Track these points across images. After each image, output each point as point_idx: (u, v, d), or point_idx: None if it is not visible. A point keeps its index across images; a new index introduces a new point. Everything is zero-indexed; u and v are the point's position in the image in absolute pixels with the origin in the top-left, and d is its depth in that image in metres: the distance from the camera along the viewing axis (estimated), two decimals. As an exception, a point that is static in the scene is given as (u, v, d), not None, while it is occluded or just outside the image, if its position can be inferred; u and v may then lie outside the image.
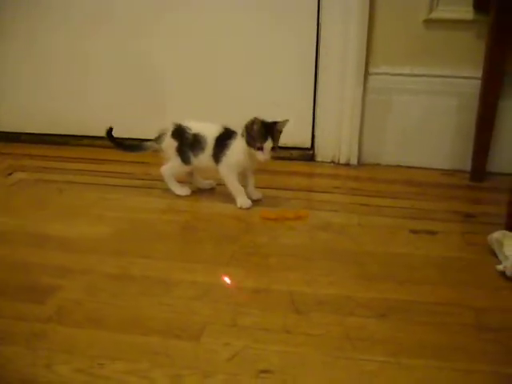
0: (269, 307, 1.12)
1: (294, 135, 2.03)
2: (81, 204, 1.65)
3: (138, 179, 1.85)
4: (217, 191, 1.75)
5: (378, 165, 2.00)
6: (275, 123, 1.53)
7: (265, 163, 1.54)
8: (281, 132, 1.55)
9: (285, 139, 2.00)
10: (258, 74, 2.01)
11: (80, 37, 2.10)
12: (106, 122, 2.11)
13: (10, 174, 1.88)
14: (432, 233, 1.47)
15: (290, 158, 2.03)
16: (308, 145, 2.03)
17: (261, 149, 1.51)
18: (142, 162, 1.97)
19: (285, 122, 1.53)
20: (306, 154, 2.03)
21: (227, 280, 1.19)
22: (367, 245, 1.40)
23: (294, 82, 1.99)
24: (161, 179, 1.76)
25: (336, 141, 1.97)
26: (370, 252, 1.36)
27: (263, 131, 1.50)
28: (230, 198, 1.65)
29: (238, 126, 1.57)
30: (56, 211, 1.58)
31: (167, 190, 1.73)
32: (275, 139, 1.53)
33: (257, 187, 1.69)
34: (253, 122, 1.51)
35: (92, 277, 1.24)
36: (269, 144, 1.51)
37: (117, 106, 2.14)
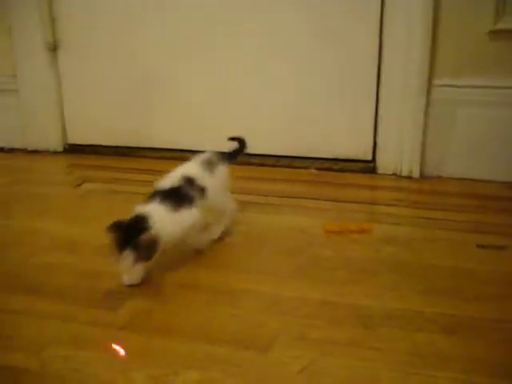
0: (336, 320, 1.13)
1: (354, 147, 2.03)
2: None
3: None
4: (280, 204, 1.76)
5: (441, 177, 1.98)
6: (139, 232, 1.18)
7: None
8: (147, 244, 1.19)
9: (345, 151, 2.03)
10: (314, 85, 2.02)
11: (146, 50, 2.16)
12: (172, 135, 2.19)
13: (79, 185, 1.95)
14: (499, 247, 1.45)
15: (350, 170, 2.02)
16: (369, 157, 2.03)
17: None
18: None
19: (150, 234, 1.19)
20: (367, 167, 2.02)
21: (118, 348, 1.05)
22: (433, 259, 1.39)
23: (354, 94, 1.99)
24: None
25: (398, 153, 1.96)
26: (436, 266, 1.35)
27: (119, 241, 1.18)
28: (291, 211, 1.67)
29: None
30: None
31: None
32: (138, 250, 1.18)
33: (318, 199, 1.69)
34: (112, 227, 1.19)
35: (159, 286, 1.27)
36: (127, 256, 1.18)
37: (182, 118, 2.19)
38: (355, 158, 2.04)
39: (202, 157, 1.43)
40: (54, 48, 2.25)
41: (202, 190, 1.35)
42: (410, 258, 1.39)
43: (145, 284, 1.27)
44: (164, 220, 1.22)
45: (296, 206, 1.73)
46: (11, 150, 2.39)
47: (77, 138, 2.34)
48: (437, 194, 1.85)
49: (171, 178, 1.34)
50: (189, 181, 1.33)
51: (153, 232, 1.18)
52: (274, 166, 2.07)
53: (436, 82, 1.91)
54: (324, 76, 2.00)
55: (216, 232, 1.46)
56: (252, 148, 2.09)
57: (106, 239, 1.18)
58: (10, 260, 1.42)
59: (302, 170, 2.04)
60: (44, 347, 1.04)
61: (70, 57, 2.26)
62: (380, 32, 1.91)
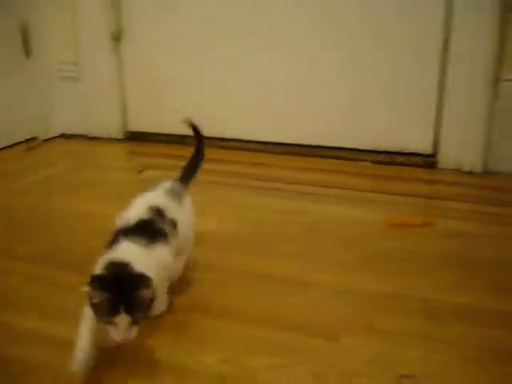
0: (403, 313, 1.12)
1: (415, 141, 2.00)
2: (206, 202, 1.71)
3: (259, 180, 1.89)
4: (341, 195, 1.75)
5: (504, 173, 1.93)
6: (136, 288, 0.90)
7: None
8: (147, 300, 0.92)
9: (406, 145, 2.01)
10: (377, 79, 2.00)
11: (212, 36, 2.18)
12: (233, 125, 2.21)
13: (140, 172, 1.99)
14: None
15: (410, 164, 2.00)
16: (430, 151, 2.00)
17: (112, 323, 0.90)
18: (263, 164, 2.02)
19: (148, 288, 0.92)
20: (428, 161, 1.99)
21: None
22: (498, 255, 1.36)
23: (418, 88, 1.96)
24: (282, 180, 1.82)
25: (460, 147, 1.92)
26: (501, 262, 1.33)
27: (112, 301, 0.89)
28: (353, 203, 1.67)
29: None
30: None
31: (289, 192, 1.77)
32: (136, 311, 0.90)
33: (379, 192, 1.68)
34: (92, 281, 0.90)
35: (221, 272, 1.29)
36: (123, 320, 0.89)
37: (239, 107, 2.20)
38: (416, 151, 2.01)
39: (165, 186, 1.20)
40: (117, 37, 2.28)
41: (174, 225, 1.12)
42: (475, 254, 1.37)
43: (208, 269, 1.29)
44: (144, 261, 0.98)
45: (357, 198, 1.72)
46: (72, 136, 2.45)
47: (137, 125, 2.38)
48: (500, 189, 1.81)
49: (137, 210, 1.10)
50: (158, 212, 1.10)
51: (151, 285, 0.92)
52: (334, 157, 2.06)
53: (503, 76, 1.86)
54: (388, 70, 1.98)
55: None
56: (313, 139, 2.12)
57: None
58: (78, 241, 1.46)
59: (362, 163, 2.02)
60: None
61: (133, 46, 2.30)
62: (446, 25, 1.87)
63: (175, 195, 1.18)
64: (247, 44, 2.13)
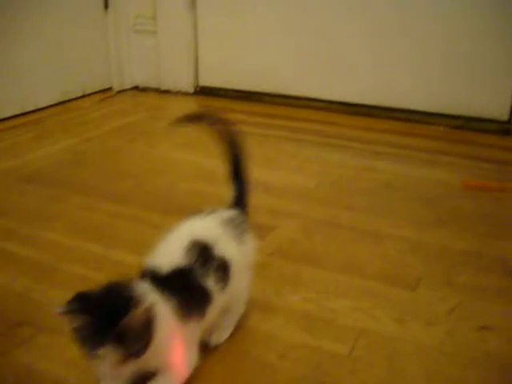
0: (482, 269, 1.13)
1: (490, 107, 1.97)
2: (279, 156, 1.74)
3: (332, 137, 1.90)
4: (414, 157, 1.75)
5: None
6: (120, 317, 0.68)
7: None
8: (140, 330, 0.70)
9: (480, 111, 1.97)
10: (455, 44, 1.97)
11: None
12: (297, 82, 2.22)
13: (212, 124, 2.03)
14: None
15: (484, 130, 1.97)
16: (505, 118, 1.96)
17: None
18: (334, 123, 2.03)
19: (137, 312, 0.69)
20: (503, 128, 1.96)
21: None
22: None
23: (495, 53, 1.92)
24: (354, 139, 1.83)
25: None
26: None
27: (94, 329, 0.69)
28: (426, 164, 1.67)
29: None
30: (257, 160, 1.69)
31: (362, 150, 1.78)
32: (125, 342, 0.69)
33: (452, 155, 1.68)
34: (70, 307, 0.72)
35: (303, 220, 1.32)
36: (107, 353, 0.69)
37: (314, 67, 2.20)
38: (490, 118, 1.98)
39: (221, 214, 0.91)
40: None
41: (224, 270, 0.84)
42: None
43: (290, 218, 1.33)
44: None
45: (430, 160, 1.72)
46: (145, 89, 2.51)
47: (208, 80, 2.42)
48: None
49: (172, 249, 0.83)
50: (203, 252, 0.82)
51: (144, 305, 0.70)
52: (407, 120, 2.05)
53: None
54: (466, 35, 1.94)
55: (221, 337, 0.91)
56: (388, 101, 2.11)
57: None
58: (160, 184, 1.53)
59: (434, 127, 2.01)
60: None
61: (209, 2, 2.32)
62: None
63: (234, 227, 0.89)
64: (322, 4, 2.12)
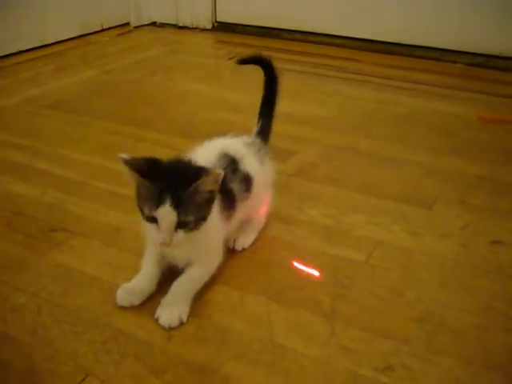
0: (494, 192, 1.17)
1: (508, 45, 1.96)
2: (302, 89, 1.76)
3: (351, 73, 1.91)
4: (430, 92, 1.76)
5: None
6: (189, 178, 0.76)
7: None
8: (207, 193, 0.78)
9: (498, 48, 1.96)
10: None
11: None
12: (316, 18, 2.22)
13: (231, 59, 2.04)
14: None
15: (502, 68, 1.96)
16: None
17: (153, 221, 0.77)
18: (353, 59, 2.03)
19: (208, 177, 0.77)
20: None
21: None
22: None
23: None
24: (373, 75, 1.84)
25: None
26: None
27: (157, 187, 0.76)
28: (442, 99, 1.68)
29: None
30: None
31: (380, 84, 1.80)
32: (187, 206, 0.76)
33: (469, 91, 1.69)
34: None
35: (323, 147, 1.36)
36: (167, 214, 0.76)
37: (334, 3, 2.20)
38: (508, 55, 1.97)
39: (243, 138, 0.99)
40: None
41: (247, 183, 0.92)
42: None
43: (311, 144, 1.36)
44: None
45: (447, 95, 1.73)
46: (163, 25, 2.51)
47: (226, 16, 2.41)
48: None
49: (206, 155, 0.90)
50: (231, 162, 0.91)
51: (214, 173, 0.77)
52: (425, 57, 2.05)
53: None
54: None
55: (246, 241, 0.98)
56: (405, 38, 2.10)
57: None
58: (181, 113, 1.56)
59: (451, 64, 2.01)
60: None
61: None
62: None
63: (256, 150, 0.97)
64: None
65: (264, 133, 1.04)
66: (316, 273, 0.90)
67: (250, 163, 0.94)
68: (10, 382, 0.73)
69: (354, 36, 2.17)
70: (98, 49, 2.17)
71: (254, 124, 1.05)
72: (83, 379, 0.72)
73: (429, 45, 2.07)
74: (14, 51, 2.01)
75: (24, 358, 0.76)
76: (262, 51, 2.05)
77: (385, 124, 1.51)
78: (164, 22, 2.51)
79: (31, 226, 1.04)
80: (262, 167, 0.96)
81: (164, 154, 0.83)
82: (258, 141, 1.00)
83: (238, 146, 0.95)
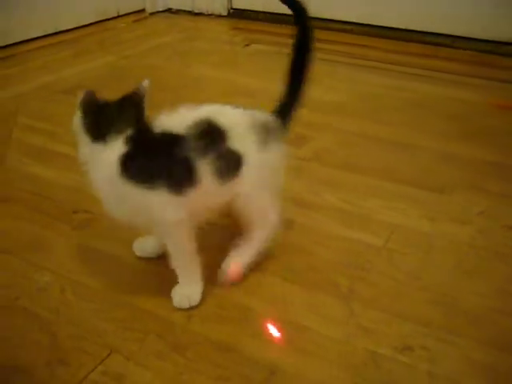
0: (508, 178, 1.17)
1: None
2: (313, 75, 1.76)
3: (361, 59, 1.91)
4: (440, 78, 1.76)
5: None
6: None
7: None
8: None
9: (509, 34, 1.94)
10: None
11: None
12: (328, 4, 2.21)
13: (247, 45, 2.05)
14: None
15: (499, 53, 1.95)
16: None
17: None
18: (363, 45, 2.03)
19: None
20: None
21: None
22: None
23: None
24: (383, 61, 1.84)
25: None
26: None
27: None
28: (453, 85, 1.68)
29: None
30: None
31: (390, 70, 1.80)
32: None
33: (481, 77, 1.69)
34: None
35: (337, 132, 1.37)
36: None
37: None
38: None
39: (254, 114, 0.86)
40: None
41: (235, 160, 0.80)
42: None
43: (325, 130, 1.37)
44: None
45: (457, 81, 1.72)
46: (178, 12, 2.51)
47: (242, 3, 2.41)
48: None
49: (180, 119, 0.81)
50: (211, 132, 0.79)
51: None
52: (434, 43, 2.04)
53: None
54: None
55: (236, 261, 0.86)
56: (415, 24, 2.09)
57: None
58: (199, 98, 1.54)
59: (461, 50, 1.99)
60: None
61: None
62: None
63: (262, 129, 0.83)
64: None
65: (283, 111, 0.88)
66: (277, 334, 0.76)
67: (244, 140, 0.80)
68: (37, 359, 0.75)
69: (364, 22, 2.16)
70: (114, 35, 2.18)
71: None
72: (108, 355, 0.74)
73: (439, 31, 2.06)
74: (27, 38, 2.02)
75: (50, 335, 0.78)
76: (277, 38, 2.10)
77: (395, 110, 1.51)
78: (179, 8, 2.52)
79: (52, 207, 1.06)
80: (264, 150, 0.82)
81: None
82: (271, 119, 0.86)
83: (234, 117, 0.82)
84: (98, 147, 0.76)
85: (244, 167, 0.80)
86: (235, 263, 0.85)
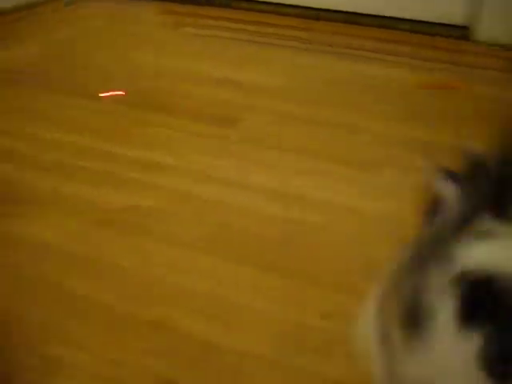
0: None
1: (450, 11, 1.99)
2: (248, 57, 1.77)
3: (299, 42, 1.91)
4: (369, 57, 1.78)
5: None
6: None
7: None
8: None
9: (439, 14, 1.98)
10: None
11: None
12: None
13: (178, 28, 2.02)
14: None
15: (443, 35, 1.99)
16: (465, 23, 1.99)
17: None
18: (306, 28, 2.03)
19: None
20: (462, 33, 1.99)
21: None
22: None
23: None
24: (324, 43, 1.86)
25: (498, 20, 1.91)
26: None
27: None
28: (383, 64, 1.71)
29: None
30: (226, 60, 1.72)
31: (329, 53, 1.81)
32: None
33: (408, 56, 1.75)
34: None
35: (271, 114, 1.38)
36: None
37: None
38: (450, 22, 2.01)
39: None
40: None
41: None
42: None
43: (263, 112, 1.37)
44: None
45: (385, 60, 1.77)
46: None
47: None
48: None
49: None
50: None
51: None
52: (371, 25, 2.07)
53: None
54: None
55: None
56: (352, 6, 2.10)
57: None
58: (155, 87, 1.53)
59: (392, 30, 2.03)
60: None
61: None
62: None
63: None
64: None
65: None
66: (121, 92, 0.81)
67: None
68: None
69: (305, 5, 2.16)
70: (32, 22, 2.10)
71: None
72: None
73: (376, 13, 2.08)
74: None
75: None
76: (210, 20, 2.07)
77: (335, 91, 1.53)
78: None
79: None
80: None
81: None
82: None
83: None
84: None
85: None
86: None
